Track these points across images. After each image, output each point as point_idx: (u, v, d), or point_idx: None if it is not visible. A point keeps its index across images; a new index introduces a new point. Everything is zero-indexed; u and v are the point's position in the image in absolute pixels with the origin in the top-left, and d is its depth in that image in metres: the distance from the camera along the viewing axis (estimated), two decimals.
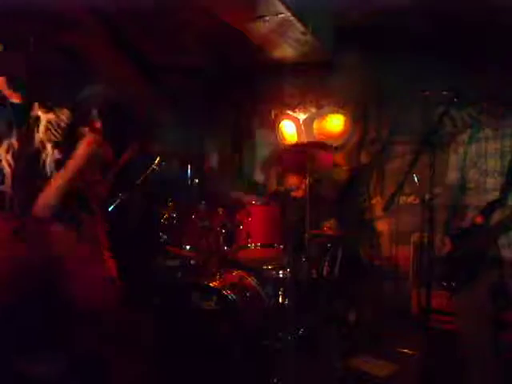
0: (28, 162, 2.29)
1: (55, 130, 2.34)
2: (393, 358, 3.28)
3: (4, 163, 2.29)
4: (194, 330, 2.92)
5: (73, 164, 2.34)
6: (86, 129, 2.39)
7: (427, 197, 2.23)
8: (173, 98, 4.92)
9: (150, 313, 3.10)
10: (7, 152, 2.29)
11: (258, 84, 4.96)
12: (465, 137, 2.65)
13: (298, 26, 3.83)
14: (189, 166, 3.64)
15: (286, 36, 4.03)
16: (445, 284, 2.53)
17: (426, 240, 2.30)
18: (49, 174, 2.31)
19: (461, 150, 2.63)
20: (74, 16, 3.82)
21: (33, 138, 2.31)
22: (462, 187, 2.62)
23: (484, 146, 2.53)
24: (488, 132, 2.53)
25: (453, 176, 2.68)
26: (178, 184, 3.82)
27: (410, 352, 3.30)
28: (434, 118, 2.48)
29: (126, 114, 4.00)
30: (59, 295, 2.33)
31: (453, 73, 3.86)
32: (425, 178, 2.27)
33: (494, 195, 2.44)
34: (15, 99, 2.35)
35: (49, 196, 2.28)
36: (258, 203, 3.28)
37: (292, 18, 3.69)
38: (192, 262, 3.35)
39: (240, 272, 3.26)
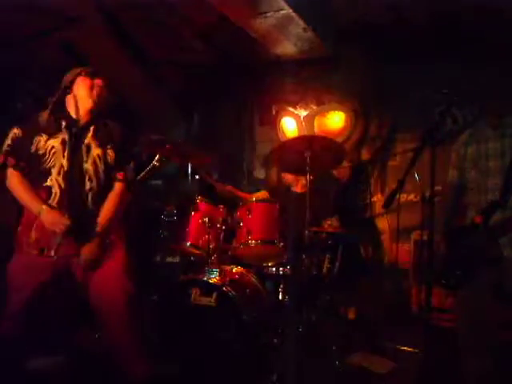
0: (74, 187, 2.41)
1: (100, 165, 2.48)
2: (392, 354, 3.29)
3: (54, 182, 2.40)
4: (194, 326, 2.93)
5: (108, 209, 2.49)
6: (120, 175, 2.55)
7: (428, 194, 2.23)
8: (174, 94, 4.92)
9: (150, 309, 3.11)
10: (58, 173, 2.40)
11: (258, 80, 4.94)
12: (465, 136, 2.64)
13: (299, 22, 3.82)
14: (189, 163, 3.62)
15: (287, 32, 4.01)
16: (444, 282, 2.53)
17: (426, 238, 2.30)
18: (90, 204, 2.44)
19: (462, 149, 2.63)
20: (75, 11, 3.82)
21: (81, 165, 2.43)
22: (463, 186, 2.62)
23: (485, 146, 2.52)
24: (488, 132, 2.53)
25: (453, 174, 2.67)
26: (178, 180, 3.81)
27: (410, 349, 3.30)
28: (435, 115, 2.46)
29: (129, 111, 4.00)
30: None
31: (454, 71, 3.86)
32: (426, 175, 2.27)
33: (495, 195, 2.44)
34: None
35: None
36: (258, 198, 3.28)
37: (293, 14, 3.68)
38: (192, 258, 3.35)
39: (240, 269, 3.27)
